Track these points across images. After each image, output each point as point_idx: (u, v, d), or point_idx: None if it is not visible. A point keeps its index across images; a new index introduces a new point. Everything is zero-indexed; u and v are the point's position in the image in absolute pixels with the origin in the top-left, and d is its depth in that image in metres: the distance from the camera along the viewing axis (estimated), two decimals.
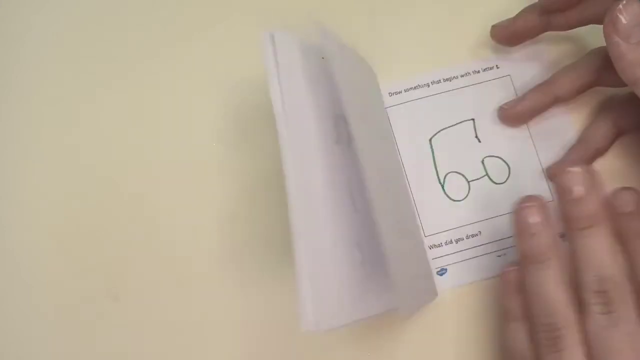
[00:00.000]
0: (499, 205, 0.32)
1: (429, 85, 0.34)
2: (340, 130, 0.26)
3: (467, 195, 0.32)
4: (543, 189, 0.32)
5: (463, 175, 0.32)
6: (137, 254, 0.32)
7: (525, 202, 0.25)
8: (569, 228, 0.25)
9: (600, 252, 0.24)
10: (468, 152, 0.33)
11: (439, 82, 0.34)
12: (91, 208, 0.33)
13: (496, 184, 0.32)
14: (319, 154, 0.25)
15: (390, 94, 0.34)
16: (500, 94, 0.33)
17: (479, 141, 0.33)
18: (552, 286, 0.24)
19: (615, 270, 0.24)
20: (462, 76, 0.34)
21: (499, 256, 0.31)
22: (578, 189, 0.24)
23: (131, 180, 0.33)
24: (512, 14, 0.33)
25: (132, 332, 0.31)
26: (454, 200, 0.32)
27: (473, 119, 0.33)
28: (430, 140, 0.33)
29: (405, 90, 0.34)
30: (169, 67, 0.35)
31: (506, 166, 0.32)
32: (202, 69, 0.35)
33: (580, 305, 0.24)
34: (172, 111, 0.34)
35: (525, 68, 0.33)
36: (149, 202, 0.33)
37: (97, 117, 0.34)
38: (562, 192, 0.25)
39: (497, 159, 0.32)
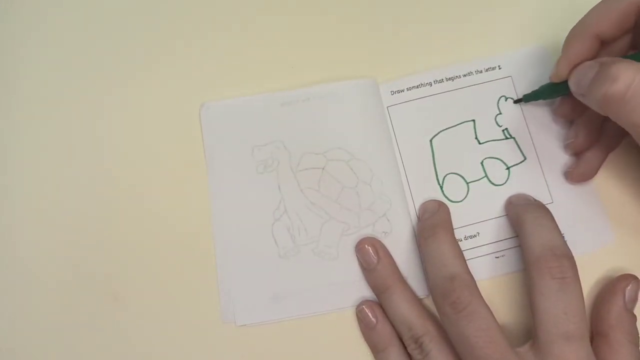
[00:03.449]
0: (498, 207, 0.32)
1: (431, 84, 0.34)
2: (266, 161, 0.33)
3: (465, 196, 0.32)
4: (542, 191, 0.32)
5: (462, 177, 0.32)
6: (136, 253, 0.32)
7: (363, 304, 0.30)
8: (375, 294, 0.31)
9: (403, 308, 0.29)
10: (468, 153, 0.33)
11: (441, 81, 0.34)
12: (91, 208, 0.33)
13: (495, 185, 0.32)
14: (240, 185, 0.32)
15: (393, 93, 0.34)
16: (501, 96, 0.33)
17: (479, 142, 0.33)
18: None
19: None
20: (464, 75, 0.34)
21: (497, 257, 0.31)
22: (371, 263, 0.30)
23: (131, 180, 0.33)
24: (518, 13, 0.33)
25: (131, 332, 0.31)
26: (453, 202, 0.32)
27: (474, 120, 0.33)
28: (431, 140, 0.33)
29: (408, 89, 0.34)
30: (169, 68, 0.35)
31: (505, 168, 0.32)
32: (205, 69, 0.35)
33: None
34: (176, 112, 0.34)
35: (527, 70, 0.33)
36: (149, 203, 0.33)
37: (98, 118, 0.34)
38: (361, 266, 0.31)
39: (496, 160, 0.32)
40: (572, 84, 0.27)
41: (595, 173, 0.31)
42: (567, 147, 0.32)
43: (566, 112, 0.31)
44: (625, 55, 0.27)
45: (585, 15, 0.28)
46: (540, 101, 0.32)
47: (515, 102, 0.33)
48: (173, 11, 0.36)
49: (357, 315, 0.30)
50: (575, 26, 0.28)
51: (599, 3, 0.27)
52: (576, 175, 0.31)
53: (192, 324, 0.31)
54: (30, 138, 0.34)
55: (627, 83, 0.23)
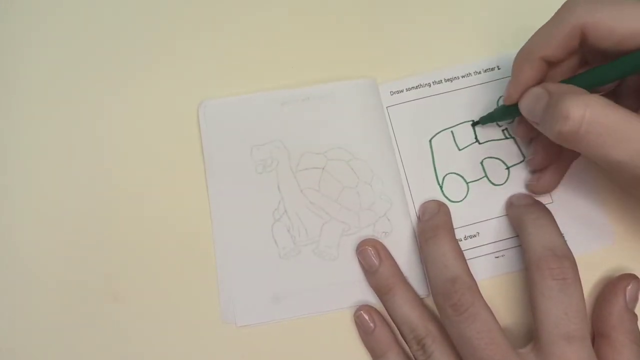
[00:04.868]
0: (498, 207, 0.32)
1: (430, 85, 0.34)
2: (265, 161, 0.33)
3: (465, 196, 0.32)
4: None
5: (462, 177, 0.32)
6: (136, 253, 0.32)
7: (361, 310, 0.30)
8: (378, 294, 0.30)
9: (406, 309, 0.29)
10: (467, 154, 0.33)
11: (440, 82, 0.34)
12: (91, 208, 0.33)
13: (495, 185, 0.32)
14: (239, 186, 0.32)
15: (392, 93, 0.34)
16: (500, 96, 0.33)
17: (479, 143, 0.33)
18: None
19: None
20: (463, 77, 0.34)
21: (497, 257, 0.31)
22: (372, 265, 0.30)
23: (131, 180, 0.33)
24: (515, 14, 0.32)
25: (131, 332, 0.31)
26: (453, 201, 0.32)
27: (473, 120, 0.33)
28: (430, 141, 0.33)
29: (407, 90, 0.34)
30: (169, 67, 0.35)
31: (505, 168, 0.32)
32: (205, 69, 0.35)
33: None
34: (177, 111, 0.34)
35: None
36: (149, 202, 0.33)
37: (98, 118, 0.34)
38: (363, 268, 0.31)
39: (496, 160, 0.32)
40: (523, 111, 0.27)
41: (557, 185, 0.31)
42: (528, 162, 0.32)
43: (524, 132, 0.31)
44: (569, 78, 0.27)
45: (530, 39, 0.27)
46: None
47: (473, 125, 0.33)
48: (173, 10, 0.36)
49: (355, 320, 0.30)
50: (521, 50, 0.27)
51: (542, 27, 0.26)
52: (537, 189, 0.31)
53: (192, 324, 0.31)
54: (30, 138, 0.34)
55: (579, 120, 0.23)
